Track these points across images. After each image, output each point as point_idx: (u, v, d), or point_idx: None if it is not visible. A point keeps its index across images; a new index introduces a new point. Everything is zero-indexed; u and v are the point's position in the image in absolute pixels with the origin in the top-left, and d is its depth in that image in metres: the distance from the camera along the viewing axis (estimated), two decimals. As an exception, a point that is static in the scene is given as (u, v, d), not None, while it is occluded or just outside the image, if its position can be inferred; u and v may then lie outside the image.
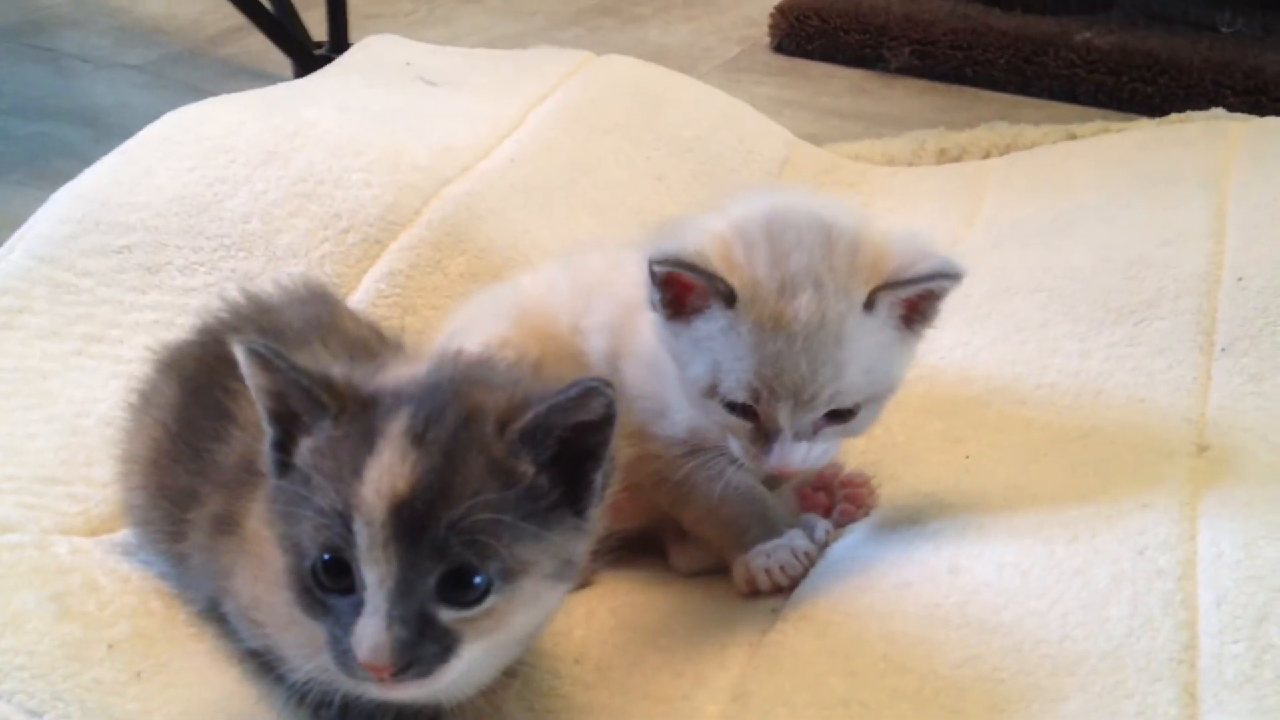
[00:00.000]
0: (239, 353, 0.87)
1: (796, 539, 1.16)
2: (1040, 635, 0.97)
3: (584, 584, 1.14)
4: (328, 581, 0.84)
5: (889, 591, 1.06)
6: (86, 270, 1.43)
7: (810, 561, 1.15)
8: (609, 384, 0.85)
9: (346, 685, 0.90)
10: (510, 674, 0.99)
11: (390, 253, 1.47)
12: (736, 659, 1.08)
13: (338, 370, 0.89)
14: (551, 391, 0.86)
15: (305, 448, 0.87)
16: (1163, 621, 0.96)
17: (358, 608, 0.82)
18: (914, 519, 1.18)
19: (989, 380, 1.39)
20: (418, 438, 0.84)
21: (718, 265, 1.08)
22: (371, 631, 0.81)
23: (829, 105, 2.54)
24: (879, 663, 0.98)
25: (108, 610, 0.96)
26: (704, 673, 1.07)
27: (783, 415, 1.09)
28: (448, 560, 0.82)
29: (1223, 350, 1.36)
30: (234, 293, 1.15)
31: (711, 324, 1.09)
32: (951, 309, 1.50)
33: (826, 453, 1.14)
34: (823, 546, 1.17)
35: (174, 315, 1.38)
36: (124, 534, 1.14)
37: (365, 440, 0.84)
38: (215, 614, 1.01)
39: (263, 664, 0.97)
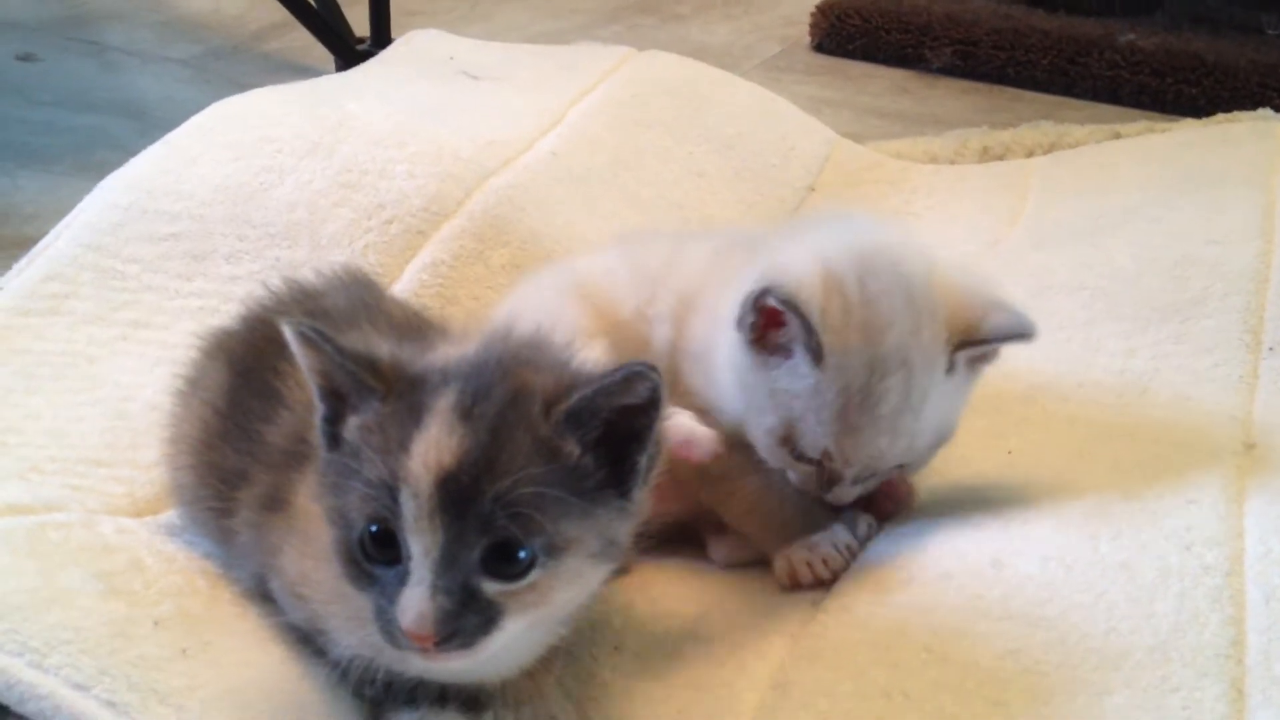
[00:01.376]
0: (288, 334, 0.88)
1: (838, 533, 1.15)
2: (1085, 629, 0.96)
3: (622, 571, 1.14)
4: (374, 552, 0.85)
5: (931, 584, 1.06)
6: (133, 257, 1.44)
7: (852, 555, 1.15)
8: (654, 368, 0.85)
9: (390, 660, 0.91)
10: (551, 657, 1.00)
11: (433, 243, 1.47)
12: (776, 649, 1.07)
13: (384, 351, 0.90)
14: (599, 374, 0.87)
15: (353, 424, 0.88)
16: (1210, 617, 0.96)
17: (403, 578, 0.83)
18: (956, 512, 1.18)
19: (1032, 377, 1.38)
20: (465, 413, 0.85)
21: (815, 314, 1.08)
22: (416, 600, 0.82)
23: (869, 105, 2.53)
24: (921, 654, 0.98)
25: (153, 589, 0.97)
26: (744, 661, 1.07)
27: (851, 472, 1.12)
28: (493, 533, 0.83)
29: (1270, 349, 1.34)
30: (278, 280, 1.16)
31: (794, 378, 1.10)
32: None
33: (873, 488, 1.17)
34: (864, 541, 1.16)
35: (219, 302, 1.39)
36: (169, 515, 1.15)
37: (413, 416, 0.85)
38: (261, 592, 1.02)
39: (307, 642, 0.98)
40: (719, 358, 1.15)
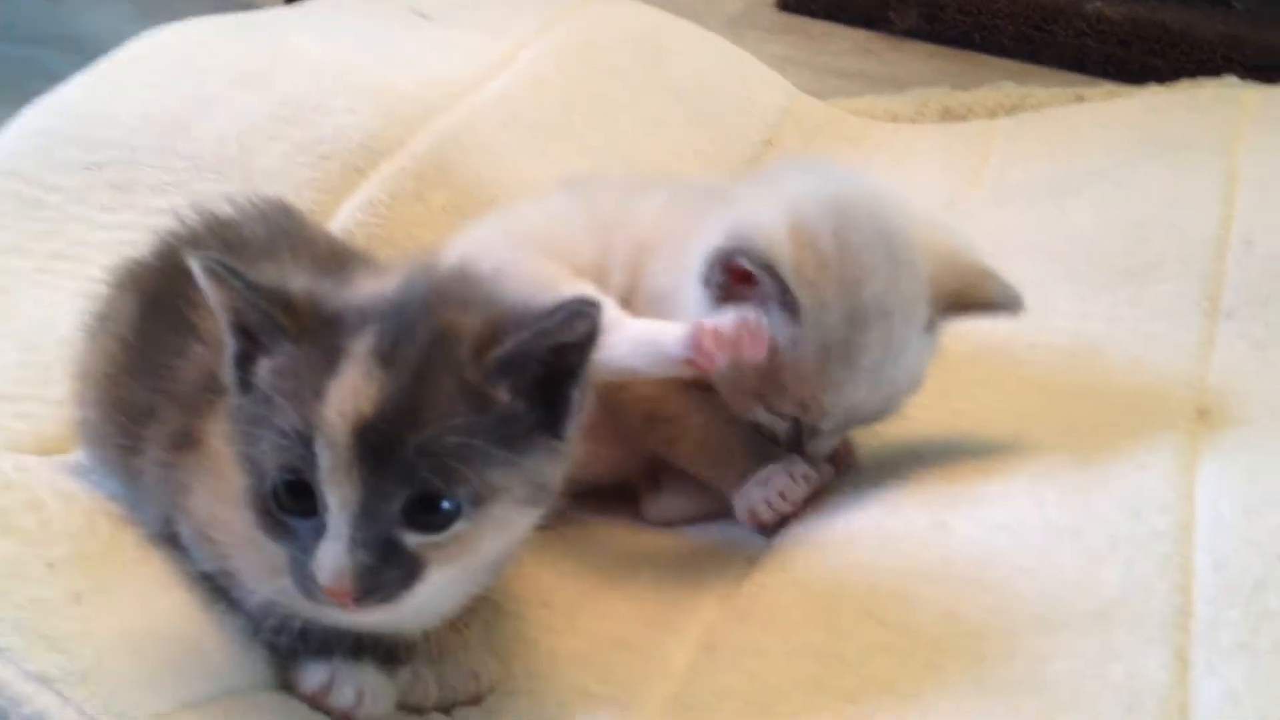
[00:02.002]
0: (195, 269, 0.82)
1: (794, 463, 1.11)
2: (1028, 594, 0.93)
3: (553, 525, 1.09)
4: (289, 503, 0.80)
5: (871, 546, 1.02)
6: (55, 186, 1.37)
7: (809, 486, 1.11)
8: (595, 304, 0.80)
9: (306, 609, 0.87)
10: (476, 609, 0.95)
11: (371, 182, 1.41)
12: (709, 609, 1.03)
13: (298, 286, 0.84)
14: (532, 313, 0.82)
15: (266, 367, 0.82)
16: (1157, 584, 0.92)
17: (320, 530, 0.78)
18: (899, 473, 1.14)
19: (982, 338, 1.33)
20: (386, 357, 0.79)
21: (789, 272, 1.04)
22: (333, 556, 0.77)
23: (831, 64, 2.48)
24: (858, 615, 0.94)
25: (49, 529, 0.91)
26: (675, 621, 1.03)
27: (828, 423, 1.09)
28: (414, 485, 0.78)
29: (1228, 315, 1.31)
30: (191, 210, 1.10)
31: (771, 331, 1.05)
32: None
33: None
34: (819, 479, 1.12)
35: (144, 235, 1.31)
36: (76, 455, 1.09)
37: (328, 360, 0.80)
38: (168, 536, 0.96)
39: (215, 589, 0.93)
40: (679, 308, 1.09)
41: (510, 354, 0.80)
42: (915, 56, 2.56)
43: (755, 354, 1.02)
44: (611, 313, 1.04)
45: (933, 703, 0.84)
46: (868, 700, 0.86)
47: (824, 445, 1.12)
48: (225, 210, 1.08)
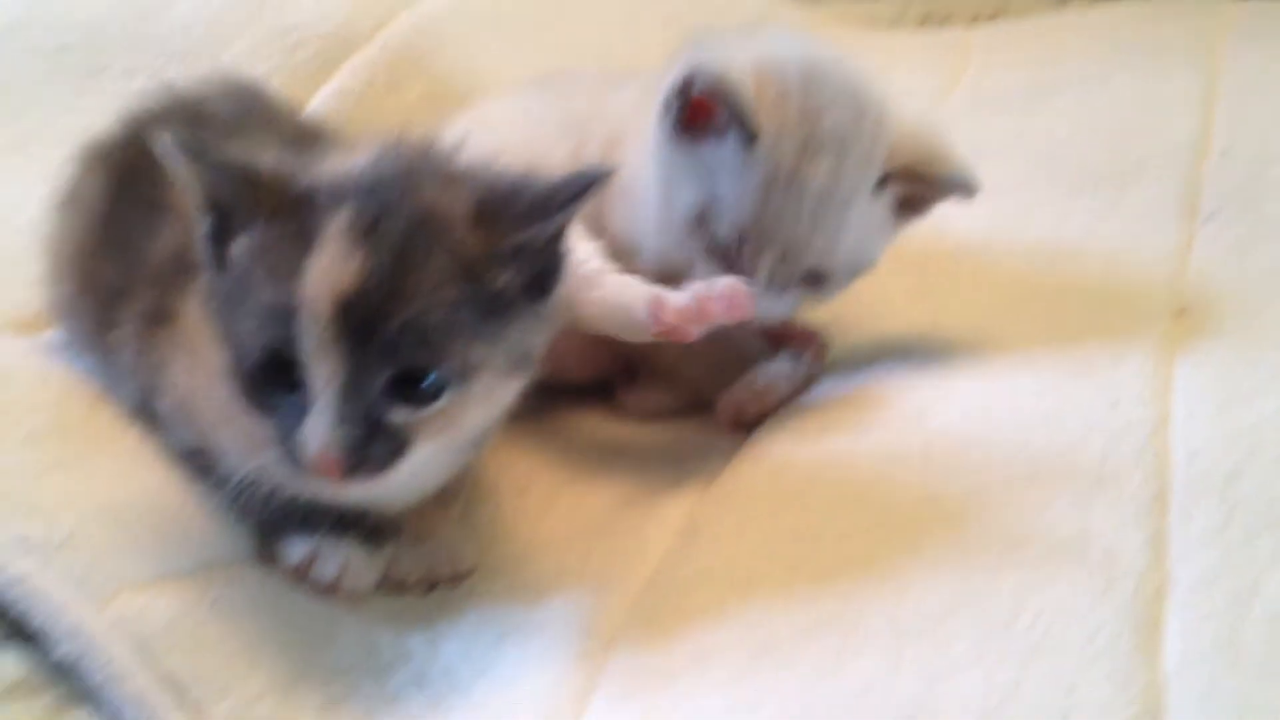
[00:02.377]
0: (163, 147, 0.80)
1: (779, 362, 1.11)
2: (1006, 479, 0.93)
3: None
4: (271, 379, 0.79)
5: (849, 432, 1.02)
6: (19, 70, 1.35)
7: (793, 386, 1.11)
8: (605, 174, 0.80)
9: (290, 484, 0.86)
10: (456, 490, 0.96)
11: (343, 71, 1.40)
12: (689, 495, 1.03)
13: (268, 163, 0.82)
14: (537, 194, 0.81)
15: (241, 245, 0.81)
16: (1133, 473, 0.93)
17: (303, 406, 0.78)
18: (877, 365, 1.14)
19: (962, 238, 1.34)
20: (366, 233, 0.78)
21: (748, 99, 1.03)
22: (319, 431, 0.77)
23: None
24: (835, 500, 0.94)
25: (24, 403, 0.90)
26: (654, 508, 1.03)
27: (764, 264, 1.05)
28: (398, 361, 0.77)
29: (1207, 219, 1.31)
30: (157, 88, 1.08)
31: (722, 154, 1.04)
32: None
33: (787, 309, 1.11)
34: (807, 377, 1.12)
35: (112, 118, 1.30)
36: (51, 334, 1.08)
37: (304, 237, 0.78)
38: (145, 413, 0.95)
39: (194, 464, 0.92)
40: (643, 185, 1.08)
41: (523, 242, 0.80)
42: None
43: (735, 316, 1.00)
44: (592, 263, 1.03)
45: (911, 579, 0.84)
46: (845, 579, 0.86)
47: (759, 299, 1.04)
48: (191, 88, 1.06)
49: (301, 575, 0.91)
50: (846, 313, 1.27)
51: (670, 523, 1.00)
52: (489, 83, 1.45)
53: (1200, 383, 1.03)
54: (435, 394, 0.79)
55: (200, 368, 0.88)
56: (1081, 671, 0.76)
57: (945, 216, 1.36)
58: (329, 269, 0.77)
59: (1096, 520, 0.88)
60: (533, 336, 0.84)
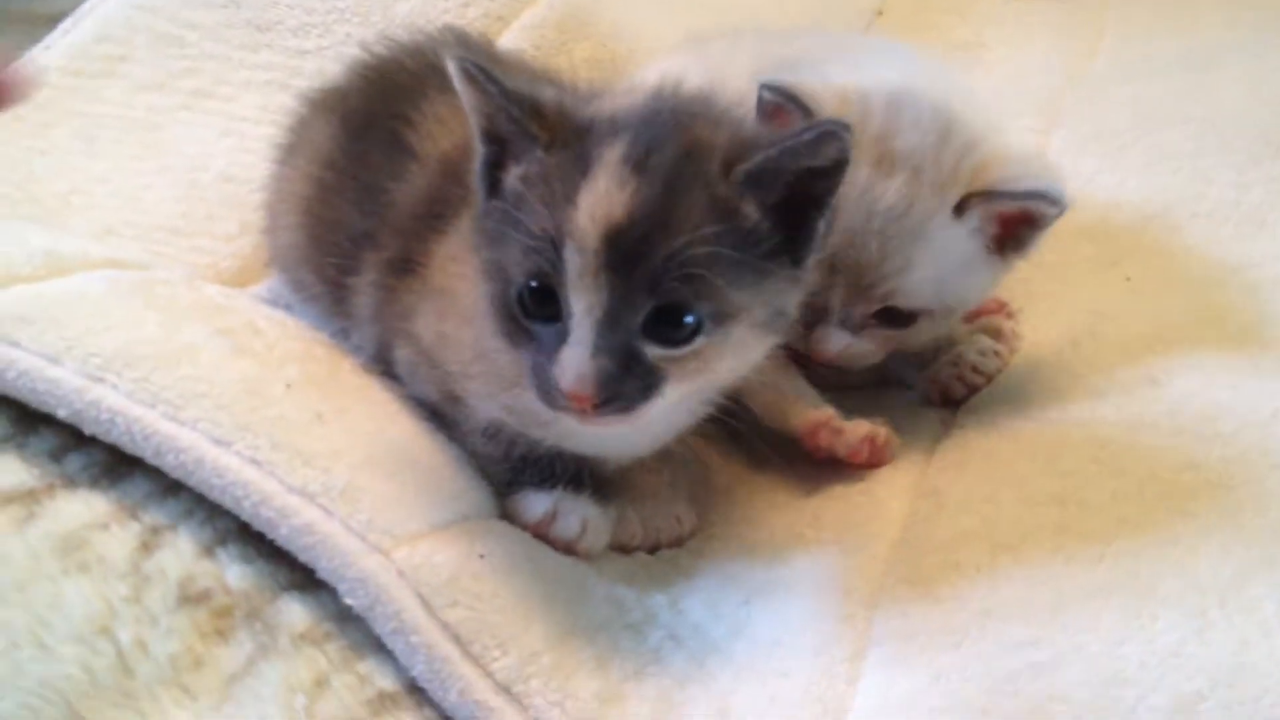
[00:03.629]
0: (452, 69, 0.80)
1: (980, 340, 1.10)
2: (1266, 446, 0.92)
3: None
4: (533, 308, 0.79)
5: (1082, 399, 1.01)
6: (191, 23, 1.33)
7: (1001, 360, 1.10)
8: (847, 127, 0.77)
9: (531, 426, 0.87)
10: (668, 452, 0.95)
11: (513, 30, 1.38)
12: (914, 460, 1.02)
13: (549, 94, 0.82)
14: (786, 133, 0.80)
15: (515, 172, 0.81)
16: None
17: (562, 336, 0.77)
18: (1087, 336, 1.12)
19: (1141, 207, 1.32)
20: (638, 165, 0.77)
21: (817, 106, 0.99)
22: (576, 361, 0.76)
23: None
24: (1089, 465, 0.93)
25: (276, 351, 0.89)
26: (878, 472, 1.02)
27: (835, 295, 1.02)
28: (660, 295, 0.77)
29: (1386, 190, 1.30)
30: (379, 39, 1.06)
31: None
32: (1090, 137, 1.46)
33: (867, 353, 1.05)
34: (1010, 351, 1.11)
35: (288, 76, 1.29)
36: (258, 289, 1.07)
37: (580, 166, 0.78)
38: (380, 362, 0.95)
39: (434, 417, 0.92)
40: None
41: (759, 168, 0.78)
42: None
43: (873, 464, 1.02)
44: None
45: (1196, 543, 0.83)
46: (1121, 542, 0.85)
47: (830, 336, 1.03)
48: (416, 38, 1.05)
49: (542, 531, 0.90)
50: (1033, 276, 1.25)
51: (901, 487, 0.99)
52: (650, 41, 1.44)
53: None
54: (692, 335, 0.78)
55: (451, 312, 0.87)
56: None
57: (1122, 185, 1.36)
58: (601, 198, 0.76)
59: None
60: (788, 295, 0.83)
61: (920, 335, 1.06)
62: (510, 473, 0.92)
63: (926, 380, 1.11)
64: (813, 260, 0.83)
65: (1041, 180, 1.02)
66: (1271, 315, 1.10)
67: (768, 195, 0.79)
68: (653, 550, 0.97)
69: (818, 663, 0.82)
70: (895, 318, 1.03)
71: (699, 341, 0.79)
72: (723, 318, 0.79)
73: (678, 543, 0.98)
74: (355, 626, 0.77)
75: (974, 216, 1.01)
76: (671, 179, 0.77)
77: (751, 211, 0.79)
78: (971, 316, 1.16)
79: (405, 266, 0.91)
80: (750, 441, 1.08)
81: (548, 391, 0.78)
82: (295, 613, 0.76)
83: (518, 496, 0.92)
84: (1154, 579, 0.80)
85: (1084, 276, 1.24)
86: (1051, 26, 1.81)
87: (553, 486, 0.91)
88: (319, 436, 0.82)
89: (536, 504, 0.91)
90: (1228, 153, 1.36)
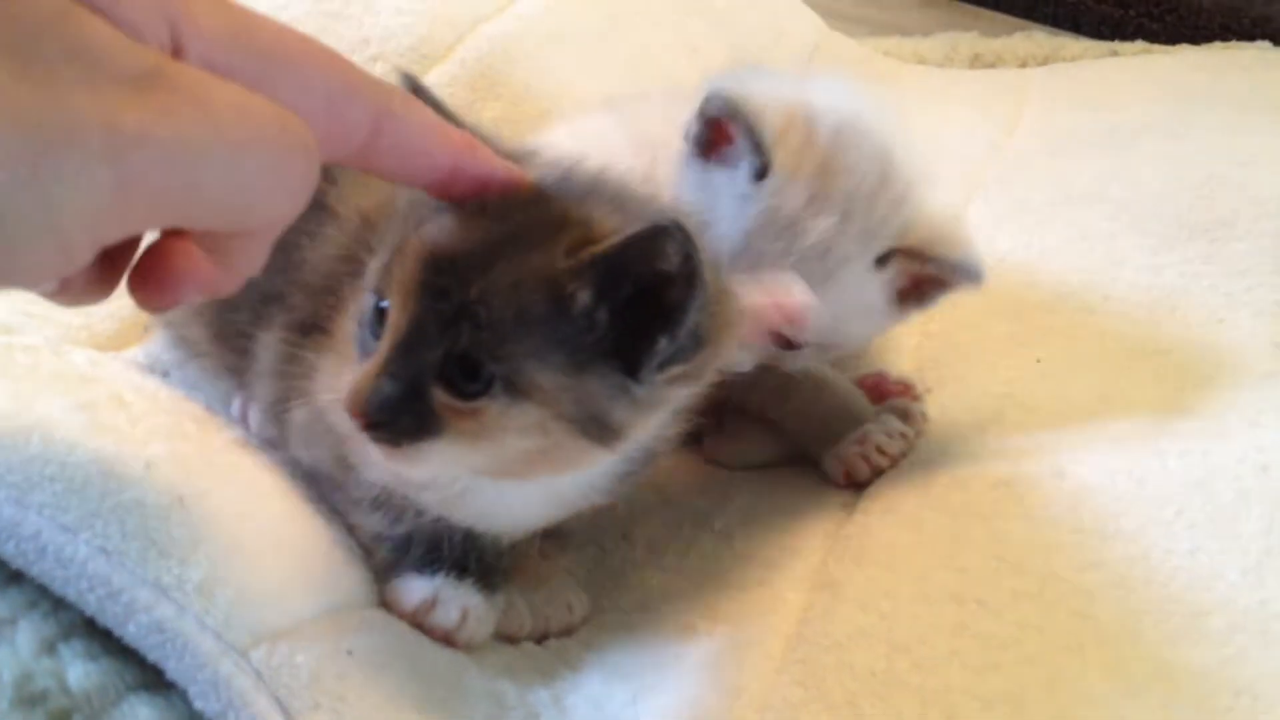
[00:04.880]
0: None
1: (889, 421, 1.07)
2: (1168, 546, 0.89)
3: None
4: (374, 327, 0.75)
5: (986, 491, 0.98)
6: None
7: (907, 442, 1.06)
8: (682, 227, 0.70)
9: (415, 494, 0.83)
10: (563, 537, 0.94)
11: (421, 87, 1.34)
12: (812, 548, 0.99)
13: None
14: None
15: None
16: (1300, 541, 0.89)
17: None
18: (994, 420, 1.10)
19: (1055, 286, 1.31)
20: (495, 213, 0.73)
21: (770, 136, 0.97)
22: (360, 376, 0.73)
23: (829, 6, 2.42)
24: (991, 561, 0.90)
25: (139, 427, 0.84)
26: (775, 559, 0.98)
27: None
28: (459, 339, 0.72)
29: (1301, 277, 1.29)
30: None
31: (731, 182, 0.99)
32: (1007, 212, 1.44)
33: (740, 360, 0.97)
34: (916, 434, 1.08)
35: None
36: (133, 352, 1.02)
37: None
38: (265, 432, 0.91)
39: (316, 496, 0.89)
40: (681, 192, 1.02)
41: (601, 257, 0.72)
42: (911, 5, 2.51)
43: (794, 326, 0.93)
44: None
45: (1090, 650, 0.80)
46: (1021, 648, 0.82)
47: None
48: None
49: (419, 619, 0.86)
50: (944, 356, 1.23)
51: (799, 577, 0.96)
52: (562, 102, 1.41)
53: (1340, 448, 1.00)
54: (480, 392, 0.73)
55: (347, 368, 0.82)
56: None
57: (1038, 262, 1.34)
58: (442, 226, 0.73)
59: (1273, 594, 0.85)
60: (612, 406, 0.75)
61: (796, 361, 1.03)
62: (394, 552, 0.88)
63: (833, 459, 1.08)
64: (659, 382, 0.76)
65: (968, 254, 1.02)
66: (1179, 403, 1.08)
67: (612, 291, 0.73)
68: (541, 640, 0.94)
69: (702, 769, 0.78)
70: (779, 339, 0.98)
71: (483, 401, 0.73)
72: (516, 390, 0.73)
73: (568, 632, 0.95)
74: (209, 731, 0.72)
75: (890, 269, 1.01)
76: (517, 234, 0.73)
77: (585, 299, 0.72)
78: (879, 397, 1.14)
79: (313, 326, 0.87)
80: (647, 523, 1.05)
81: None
82: (142, 716, 0.71)
83: (398, 581, 0.87)
84: (1047, 690, 0.77)
85: (996, 357, 1.22)
86: (974, 98, 1.80)
87: (435, 572, 0.87)
88: (178, 523, 0.77)
89: (416, 590, 0.86)
90: (1142, 234, 1.35)
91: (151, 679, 0.72)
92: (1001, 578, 0.88)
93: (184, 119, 0.52)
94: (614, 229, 0.74)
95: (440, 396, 0.73)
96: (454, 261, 0.72)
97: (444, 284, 0.72)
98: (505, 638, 0.91)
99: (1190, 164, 1.45)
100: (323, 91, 0.62)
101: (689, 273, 0.71)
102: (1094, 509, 0.94)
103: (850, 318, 1.01)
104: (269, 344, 0.90)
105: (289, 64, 0.61)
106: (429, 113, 0.69)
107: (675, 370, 0.75)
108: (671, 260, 0.71)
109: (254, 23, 0.60)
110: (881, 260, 1.00)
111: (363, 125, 0.64)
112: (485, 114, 1.36)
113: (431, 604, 0.86)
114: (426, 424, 0.73)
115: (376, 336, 0.75)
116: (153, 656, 0.72)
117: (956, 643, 0.83)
